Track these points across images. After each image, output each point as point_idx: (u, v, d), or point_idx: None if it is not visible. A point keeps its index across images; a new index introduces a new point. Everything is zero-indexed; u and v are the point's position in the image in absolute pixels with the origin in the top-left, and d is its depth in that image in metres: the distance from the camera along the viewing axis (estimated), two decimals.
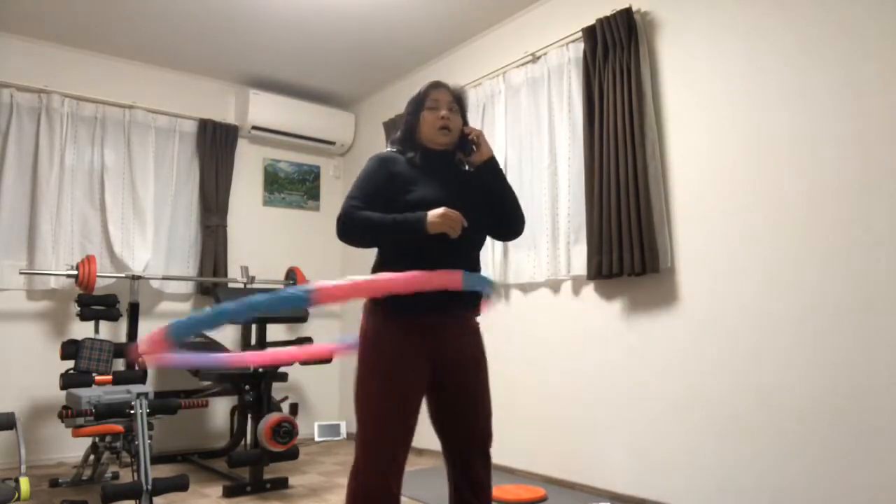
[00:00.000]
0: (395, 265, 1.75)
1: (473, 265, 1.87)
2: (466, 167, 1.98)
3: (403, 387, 1.73)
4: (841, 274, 2.35)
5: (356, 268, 4.92)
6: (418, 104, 1.91)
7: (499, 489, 3.06)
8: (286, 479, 3.36)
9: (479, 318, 1.93)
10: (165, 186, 4.48)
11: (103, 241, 4.22)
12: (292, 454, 3.30)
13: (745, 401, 2.59)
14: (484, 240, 1.95)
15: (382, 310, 1.78)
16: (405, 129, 1.93)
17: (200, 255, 4.53)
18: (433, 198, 1.76)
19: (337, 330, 5.16)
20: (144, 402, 2.75)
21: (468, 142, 1.93)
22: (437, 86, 1.93)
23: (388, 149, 1.96)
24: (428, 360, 1.78)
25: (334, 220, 1.83)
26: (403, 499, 1.83)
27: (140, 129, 4.38)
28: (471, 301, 1.85)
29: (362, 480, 1.71)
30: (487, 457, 1.88)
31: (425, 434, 1.88)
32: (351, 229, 1.77)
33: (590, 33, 3.20)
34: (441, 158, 1.92)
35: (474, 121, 3.88)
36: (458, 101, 1.94)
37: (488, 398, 1.89)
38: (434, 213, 1.70)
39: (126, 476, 3.31)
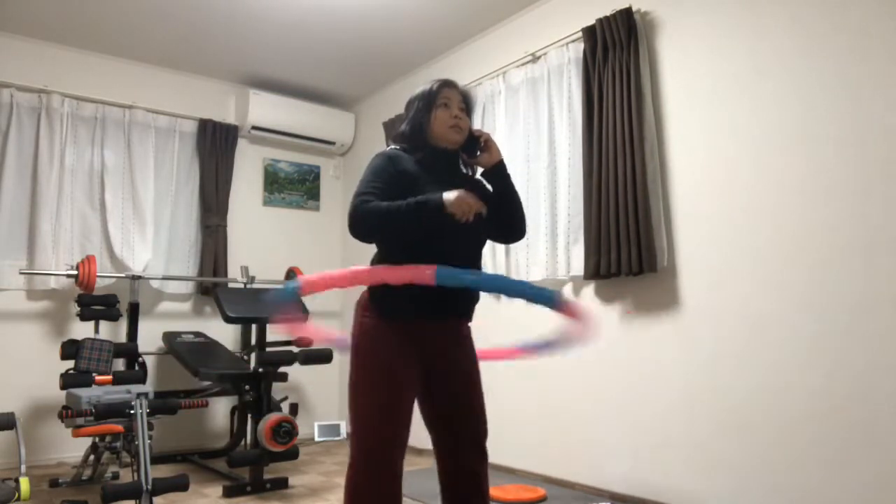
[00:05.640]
0: (395, 257, 1.75)
1: (475, 264, 1.88)
2: (467, 169, 1.99)
3: (396, 391, 1.73)
4: (839, 273, 2.35)
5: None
6: (429, 101, 1.88)
7: (499, 489, 3.06)
8: (286, 479, 3.36)
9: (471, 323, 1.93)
10: (165, 186, 4.48)
11: (103, 241, 4.22)
12: (292, 454, 3.30)
13: (744, 400, 2.60)
14: (485, 241, 1.95)
15: (376, 313, 1.78)
16: (413, 125, 1.89)
17: (200, 255, 4.53)
18: None
19: (336, 329, 5.16)
20: (144, 402, 2.75)
21: (475, 143, 1.92)
22: (448, 84, 1.91)
23: (392, 146, 1.95)
24: (420, 366, 1.79)
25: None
26: (403, 499, 1.84)
27: (140, 129, 4.38)
28: (465, 308, 1.86)
29: (361, 480, 1.70)
30: (483, 453, 1.87)
31: (424, 434, 1.88)
32: (363, 221, 1.70)
33: (590, 33, 3.20)
34: (447, 159, 1.92)
35: (474, 121, 3.87)
36: (465, 102, 1.93)
37: (481, 400, 1.88)
38: (451, 194, 1.66)
39: (126, 476, 3.31)
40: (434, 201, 1.67)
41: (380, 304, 1.78)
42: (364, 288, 1.84)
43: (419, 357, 1.78)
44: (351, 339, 1.81)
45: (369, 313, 1.79)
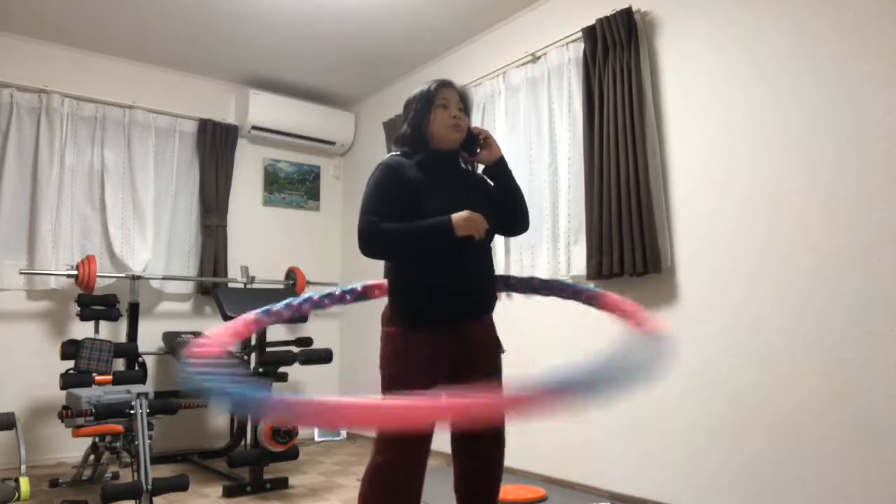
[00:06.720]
0: (412, 266, 1.81)
1: (487, 263, 1.93)
2: (468, 166, 2.01)
3: (425, 386, 1.77)
4: (840, 274, 2.35)
5: (356, 268, 4.93)
6: (428, 102, 1.90)
7: None
8: (286, 479, 3.36)
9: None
10: (165, 186, 4.48)
11: (103, 241, 4.22)
12: (292, 454, 3.30)
13: (745, 400, 2.59)
14: (493, 238, 1.99)
15: (399, 324, 1.83)
16: (414, 127, 1.91)
17: (200, 255, 4.53)
18: (449, 204, 1.79)
19: (336, 331, 5.16)
20: (144, 402, 2.75)
21: (474, 141, 1.94)
22: (446, 84, 1.93)
23: (393, 151, 1.96)
24: (447, 361, 1.83)
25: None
26: None
27: (140, 129, 4.38)
28: (484, 308, 1.92)
29: (387, 477, 1.76)
30: (501, 439, 1.96)
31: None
32: (377, 245, 1.79)
33: (590, 33, 3.20)
34: (449, 159, 1.94)
35: (474, 121, 3.88)
36: (463, 101, 1.95)
37: (501, 381, 1.97)
38: (459, 217, 1.74)
39: (126, 476, 3.30)
40: (444, 225, 1.73)
41: (401, 315, 1.82)
42: (386, 301, 1.92)
43: (445, 358, 1.82)
44: (380, 352, 1.86)
45: (393, 325, 1.84)
